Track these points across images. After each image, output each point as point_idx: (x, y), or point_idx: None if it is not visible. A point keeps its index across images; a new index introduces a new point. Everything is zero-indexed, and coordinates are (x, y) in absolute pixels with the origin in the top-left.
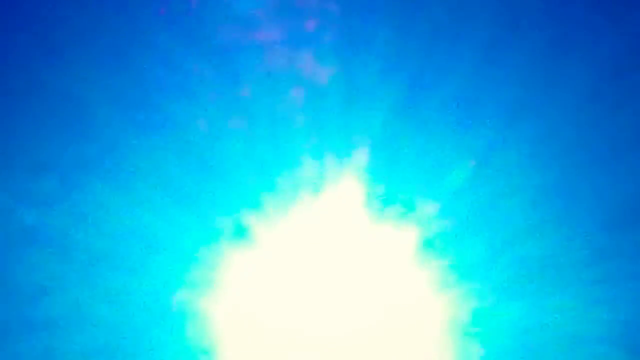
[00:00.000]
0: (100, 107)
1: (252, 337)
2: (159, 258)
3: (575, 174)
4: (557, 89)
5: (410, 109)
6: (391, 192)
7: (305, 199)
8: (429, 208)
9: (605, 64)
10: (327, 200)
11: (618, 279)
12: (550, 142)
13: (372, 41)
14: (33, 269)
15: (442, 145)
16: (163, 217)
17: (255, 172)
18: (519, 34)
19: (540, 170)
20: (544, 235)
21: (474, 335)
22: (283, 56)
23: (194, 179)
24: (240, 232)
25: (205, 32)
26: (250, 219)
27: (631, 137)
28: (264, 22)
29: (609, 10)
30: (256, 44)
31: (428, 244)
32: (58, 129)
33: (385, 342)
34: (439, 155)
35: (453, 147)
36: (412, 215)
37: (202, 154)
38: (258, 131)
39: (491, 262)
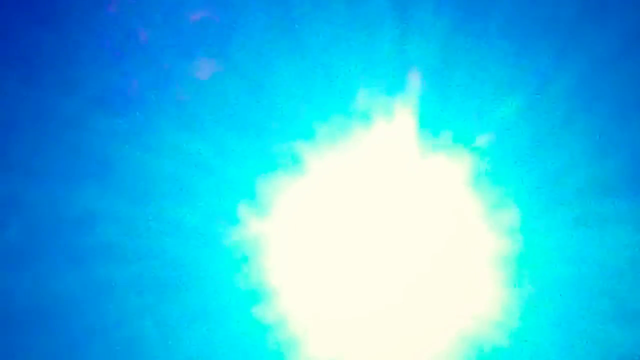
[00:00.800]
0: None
1: (304, 266)
2: (212, 186)
3: (630, 103)
4: (611, 21)
5: (463, 39)
6: (444, 122)
7: (358, 129)
8: (482, 138)
9: None
10: (380, 130)
11: None
12: (604, 73)
13: None
14: (86, 197)
15: (496, 76)
16: (217, 145)
17: (309, 102)
18: None
19: (594, 100)
20: (599, 164)
21: (526, 266)
22: None
23: (249, 108)
24: (294, 161)
25: None
26: (304, 149)
27: None
28: None
29: None
30: None
31: (481, 175)
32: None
33: (438, 272)
34: (492, 86)
35: (507, 77)
36: (465, 146)
37: (257, 84)
38: (312, 62)
39: (544, 192)
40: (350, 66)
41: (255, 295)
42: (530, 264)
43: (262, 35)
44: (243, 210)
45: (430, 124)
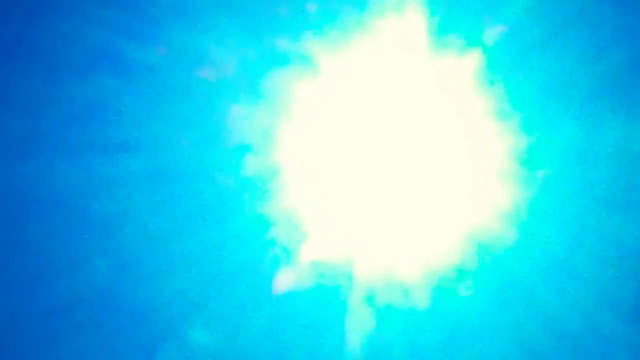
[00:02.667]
0: None
1: (312, 162)
2: (218, 83)
3: None
4: None
5: None
6: (454, 17)
7: (368, 26)
8: (491, 33)
9: None
10: (389, 28)
11: None
12: None
13: None
14: (90, 91)
15: None
16: (222, 41)
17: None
18: None
19: None
20: (607, 61)
21: (532, 164)
22: None
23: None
24: (303, 59)
25: None
26: (313, 47)
27: None
28: None
29: None
30: None
31: (490, 71)
32: None
33: (446, 170)
34: None
35: None
36: (474, 42)
37: None
38: None
39: (553, 90)
40: None
41: (261, 191)
42: (539, 161)
43: None
44: (248, 106)
45: (439, 18)
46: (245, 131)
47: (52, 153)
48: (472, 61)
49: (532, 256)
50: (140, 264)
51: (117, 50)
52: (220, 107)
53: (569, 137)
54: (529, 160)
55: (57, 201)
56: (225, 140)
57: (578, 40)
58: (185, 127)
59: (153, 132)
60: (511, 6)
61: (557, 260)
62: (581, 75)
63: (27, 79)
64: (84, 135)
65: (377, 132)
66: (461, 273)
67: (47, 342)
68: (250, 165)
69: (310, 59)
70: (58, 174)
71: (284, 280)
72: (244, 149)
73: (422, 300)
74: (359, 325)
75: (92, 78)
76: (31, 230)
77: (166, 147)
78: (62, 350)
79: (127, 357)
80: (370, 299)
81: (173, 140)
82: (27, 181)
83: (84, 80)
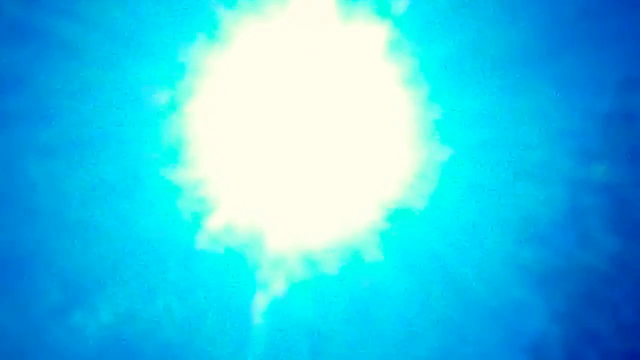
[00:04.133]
0: None
1: (224, 130)
2: (133, 54)
3: None
4: None
5: None
6: None
7: None
8: (399, 5)
9: None
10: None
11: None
12: None
13: None
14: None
15: None
16: (135, 12)
17: None
18: None
19: None
20: (517, 28)
21: (441, 133)
22: None
23: None
24: (215, 31)
25: None
26: (223, 17)
27: None
28: None
29: None
30: None
31: (398, 42)
32: None
33: (355, 140)
34: None
35: None
36: (382, 12)
37: None
38: None
39: (461, 61)
40: None
41: (172, 157)
42: (446, 130)
43: None
44: (161, 77)
45: None
46: (158, 101)
47: None
48: (382, 30)
49: (440, 223)
50: (56, 232)
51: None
52: (133, 77)
53: (477, 106)
54: (437, 128)
55: None
56: (138, 110)
57: (489, 7)
58: (97, 96)
59: (64, 101)
60: None
61: (464, 226)
62: (492, 43)
63: None
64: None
65: (288, 101)
66: (370, 240)
67: None
68: (163, 134)
69: (221, 28)
70: None
71: (195, 248)
72: (157, 118)
73: (330, 267)
74: (267, 291)
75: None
76: None
77: (78, 116)
78: None
79: (42, 319)
80: (279, 266)
81: (85, 109)
82: None
83: None
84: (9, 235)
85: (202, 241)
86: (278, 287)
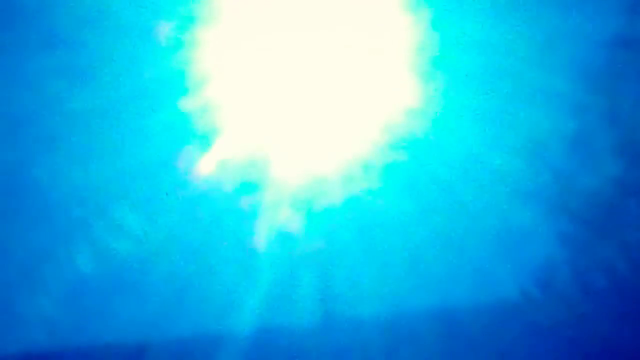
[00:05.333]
0: None
1: (231, 57)
2: None
3: None
4: None
5: None
6: None
7: None
8: None
9: None
10: None
11: None
12: None
13: None
14: None
15: None
16: None
17: None
18: None
19: None
20: None
21: (444, 58)
22: None
23: None
24: None
25: None
26: None
27: None
28: None
29: None
30: None
31: None
32: None
33: (358, 66)
34: None
35: None
36: None
37: None
38: None
39: None
40: None
41: (180, 85)
42: (450, 57)
43: None
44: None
45: None
46: (166, 29)
47: None
48: None
49: (444, 149)
50: (62, 153)
51: None
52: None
53: (480, 30)
54: (440, 54)
55: None
56: (147, 35)
57: None
58: (107, 23)
59: (74, 28)
60: None
61: (468, 152)
62: None
63: None
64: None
65: (290, 26)
66: (374, 167)
67: None
68: (171, 59)
69: None
70: None
71: (200, 175)
72: (166, 45)
73: (335, 194)
74: (272, 221)
75: None
76: None
77: (89, 41)
78: None
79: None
80: (284, 193)
81: (95, 36)
82: None
83: None
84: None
85: (207, 168)
86: (283, 215)
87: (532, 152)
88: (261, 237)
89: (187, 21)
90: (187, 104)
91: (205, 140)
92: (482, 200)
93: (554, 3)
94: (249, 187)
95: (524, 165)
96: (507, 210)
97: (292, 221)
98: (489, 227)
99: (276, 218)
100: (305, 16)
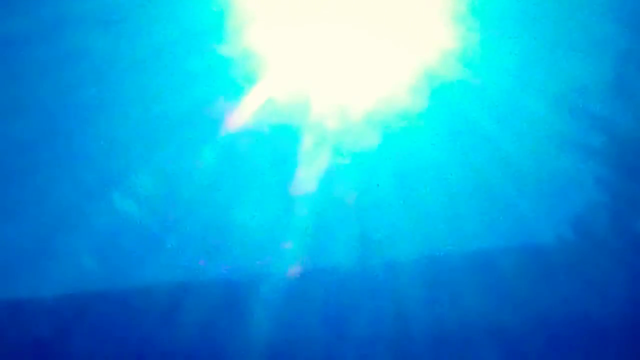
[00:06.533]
0: None
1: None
2: None
3: None
4: None
5: None
6: None
7: None
8: None
9: None
10: None
11: None
12: None
13: None
14: None
15: None
16: None
17: None
18: None
19: None
20: None
21: (480, 4)
22: None
23: None
24: None
25: None
26: None
27: None
28: None
29: None
30: None
31: None
32: None
33: (395, 11)
34: None
35: None
36: None
37: None
38: None
39: None
40: None
41: (215, 29)
42: (488, 5)
43: None
44: None
45: None
46: None
47: None
48: None
49: (482, 93)
50: (95, 102)
51: None
52: None
53: None
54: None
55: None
56: None
57: None
58: None
59: None
60: None
61: (507, 97)
62: None
63: None
64: None
65: None
66: (413, 113)
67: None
68: (211, 5)
69: None
70: None
71: (239, 119)
72: None
73: (375, 140)
74: (313, 165)
75: None
76: None
77: None
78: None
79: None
80: (323, 137)
81: None
82: None
83: None
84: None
85: (245, 114)
86: (322, 159)
87: (572, 99)
88: (301, 180)
89: None
90: (226, 49)
91: (243, 84)
92: (521, 146)
93: None
94: (288, 130)
95: (563, 111)
96: (546, 156)
97: (331, 165)
98: (527, 172)
99: (315, 162)
100: None
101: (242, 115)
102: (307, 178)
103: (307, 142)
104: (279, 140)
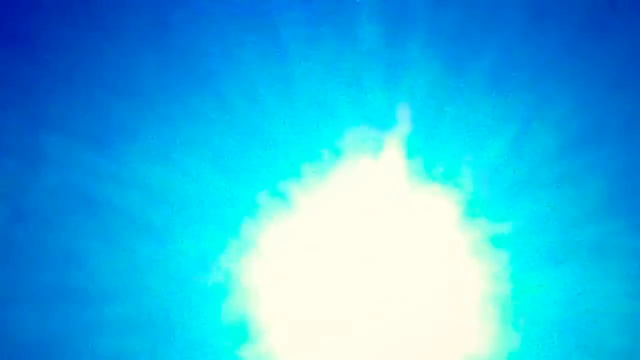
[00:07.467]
0: (143, 75)
1: (294, 304)
2: (197, 227)
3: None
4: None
5: (451, 78)
6: (433, 160)
7: (346, 168)
8: (470, 176)
9: None
10: (367, 169)
11: None
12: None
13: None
14: (60, 236)
15: (484, 113)
16: (202, 185)
17: (296, 141)
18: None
19: (579, 138)
20: (585, 194)
21: (514, 307)
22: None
23: (235, 148)
24: (281, 201)
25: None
26: (290, 189)
27: None
28: None
29: None
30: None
31: (470, 213)
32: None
33: (426, 313)
34: (480, 123)
35: (494, 115)
36: (454, 184)
37: (243, 123)
38: (298, 101)
39: (534, 231)
40: (338, 103)
41: (241, 333)
42: (522, 304)
43: (248, 74)
44: (230, 251)
45: (418, 161)
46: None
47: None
48: (452, 200)
49: None
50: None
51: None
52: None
53: (553, 285)
54: (511, 302)
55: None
56: (204, 286)
57: (561, 176)
58: (164, 273)
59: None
60: (491, 144)
61: None
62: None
63: None
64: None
65: (357, 271)
66: None
67: None
68: (229, 307)
69: (287, 198)
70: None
71: None
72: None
73: None
74: None
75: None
76: None
77: (147, 294)
78: None
79: None
80: None
81: (152, 287)
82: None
83: None
84: None
85: None
86: None
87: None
88: None
89: (240, 267)
90: (246, 352)
91: None
92: None
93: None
94: None
95: None
96: None
97: None
98: None
99: None
100: (369, 254)
101: None
102: None
103: None
104: None
